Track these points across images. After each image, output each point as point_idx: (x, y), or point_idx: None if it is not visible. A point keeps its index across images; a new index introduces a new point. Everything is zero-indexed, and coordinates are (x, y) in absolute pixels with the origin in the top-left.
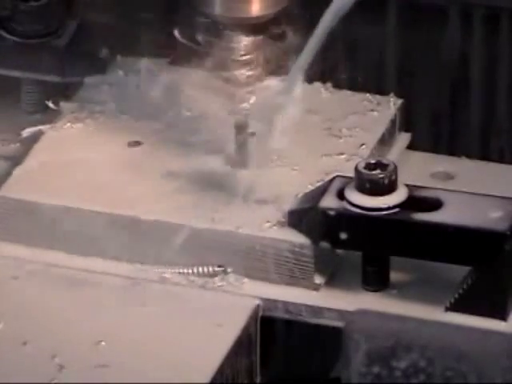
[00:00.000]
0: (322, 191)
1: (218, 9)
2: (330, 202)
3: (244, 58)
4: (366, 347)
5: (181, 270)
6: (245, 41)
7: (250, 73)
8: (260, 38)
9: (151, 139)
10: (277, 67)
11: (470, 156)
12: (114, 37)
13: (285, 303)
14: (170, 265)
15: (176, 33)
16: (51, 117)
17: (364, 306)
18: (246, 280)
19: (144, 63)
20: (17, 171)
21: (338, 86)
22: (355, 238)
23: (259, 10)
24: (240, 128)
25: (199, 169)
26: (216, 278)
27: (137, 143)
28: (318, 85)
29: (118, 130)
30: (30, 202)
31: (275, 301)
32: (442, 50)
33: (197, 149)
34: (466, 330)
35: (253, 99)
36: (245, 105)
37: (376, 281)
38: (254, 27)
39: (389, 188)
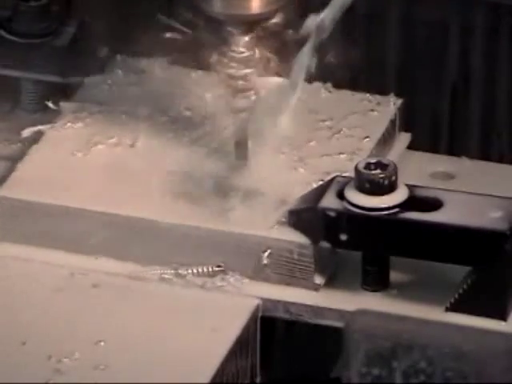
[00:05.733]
0: (321, 191)
1: (216, 6)
2: (330, 201)
3: (243, 55)
4: (366, 347)
5: (180, 271)
6: (244, 38)
7: (249, 70)
8: (259, 35)
9: (151, 139)
10: (277, 65)
11: (469, 156)
12: (114, 37)
13: (285, 303)
14: (170, 265)
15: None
16: (51, 117)
17: (364, 306)
18: (245, 280)
19: (144, 63)
20: (17, 171)
21: (337, 86)
22: (355, 238)
23: (259, 8)
24: (240, 129)
25: (199, 168)
26: (216, 278)
27: (137, 143)
28: (317, 85)
29: (117, 129)
30: (30, 202)
31: (275, 301)
32: (442, 51)
33: (197, 149)
34: (466, 330)
35: (253, 97)
36: (245, 103)
37: (376, 281)
38: (254, 24)
39: (389, 188)
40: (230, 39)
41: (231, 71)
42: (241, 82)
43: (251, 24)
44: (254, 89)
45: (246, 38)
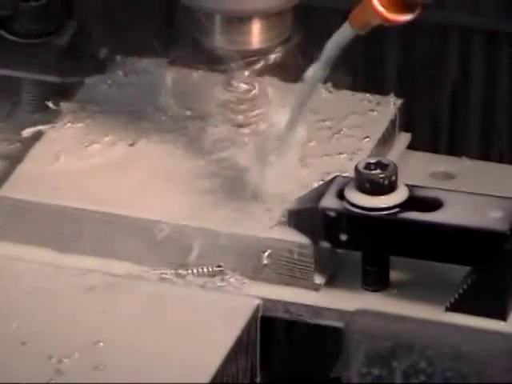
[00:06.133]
0: (322, 191)
1: (217, 42)
2: (330, 202)
3: (244, 90)
4: (366, 347)
5: (180, 271)
6: (245, 73)
7: (250, 105)
8: (261, 70)
9: (151, 139)
10: (279, 98)
11: (469, 156)
12: (114, 37)
13: (285, 303)
14: (170, 265)
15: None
16: (51, 117)
17: (364, 306)
18: (246, 280)
19: (144, 63)
20: (17, 171)
21: (337, 86)
22: (355, 238)
23: (259, 43)
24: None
25: (199, 169)
26: (216, 279)
27: (137, 143)
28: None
29: (117, 130)
30: (30, 202)
31: (275, 301)
32: (442, 51)
33: (197, 149)
34: (465, 330)
35: (253, 132)
36: (245, 139)
37: (376, 281)
38: (254, 59)
39: (389, 188)
40: (230, 74)
41: (232, 106)
42: (241, 117)
43: (251, 59)
44: (254, 124)
45: (246, 73)
